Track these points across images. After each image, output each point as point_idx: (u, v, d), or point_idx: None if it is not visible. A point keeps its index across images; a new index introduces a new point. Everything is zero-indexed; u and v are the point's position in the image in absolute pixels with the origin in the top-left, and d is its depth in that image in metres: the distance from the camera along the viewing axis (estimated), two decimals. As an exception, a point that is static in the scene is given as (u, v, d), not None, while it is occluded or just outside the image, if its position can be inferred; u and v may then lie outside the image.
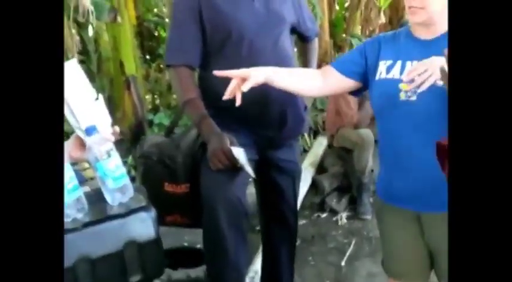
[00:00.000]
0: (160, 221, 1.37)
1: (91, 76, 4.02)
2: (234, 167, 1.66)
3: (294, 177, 2.12)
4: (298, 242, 2.73)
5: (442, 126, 1.17)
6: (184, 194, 1.78)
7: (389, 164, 1.52)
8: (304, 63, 2.18)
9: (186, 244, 2.68)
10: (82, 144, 1.30)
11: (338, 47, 5.04)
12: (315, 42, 2.20)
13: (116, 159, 1.26)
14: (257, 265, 2.42)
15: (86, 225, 1.20)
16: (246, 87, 1.48)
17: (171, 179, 1.77)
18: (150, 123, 3.67)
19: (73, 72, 1.35)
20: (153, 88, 4.37)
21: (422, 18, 1.39)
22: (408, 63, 1.42)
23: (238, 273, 1.91)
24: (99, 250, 1.20)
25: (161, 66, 4.69)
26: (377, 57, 1.50)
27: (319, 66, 4.43)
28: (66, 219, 1.20)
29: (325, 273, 2.63)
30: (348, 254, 2.77)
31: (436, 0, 1.36)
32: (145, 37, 5.29)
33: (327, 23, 4.78)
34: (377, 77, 1.48)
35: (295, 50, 2.42)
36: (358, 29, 5.15)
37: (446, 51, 1.15)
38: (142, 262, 1.25)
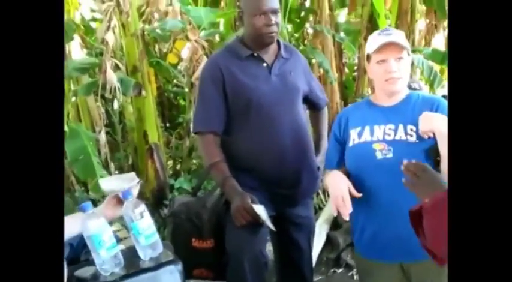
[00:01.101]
0: (187, 274, 1.60)
1: (116, 146, 4.36)
2: (256, 223, 1.89)
3: (309, 232, 2.33)
4: (315, 299, 2.89)
5: None
6: (210, 249, 1.99)
7: (368, 219, 1.68)
8: (316, 130, 2.42)
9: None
10: (116, 205, 1.56)
11: (349, 108, 5.31)
12: (325, 110, 2.46)
13: (148, 219, 1.50)
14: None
15: (123, 278, 1.41)
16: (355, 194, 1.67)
17: (198, 235, 1.98)
18: (171, 187, 3.92)
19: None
20: (174, 154, 4.66)
21: (400, 87, 1.67)
22: (375, 127, 1.66)
23: None
24: None
25: (181, 133, 5.01)
26: (346, 127, 1.75)
27: (330, 126, 4.70)
28: (105, 274, 1.43)
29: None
30: (363, 307, 2.89)
31: (407, 70, 1.65)
32: (166, 106, 5.62)
33: (337, 85, 5.08)
34: (350, 144, 1.71)
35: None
36: (367, 90, 5.44)
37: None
38: None
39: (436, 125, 1.57)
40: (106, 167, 3.64)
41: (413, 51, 5.05)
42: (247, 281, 1.94)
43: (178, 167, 4.57)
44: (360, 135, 1.70)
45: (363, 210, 1.70)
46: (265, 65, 2.10)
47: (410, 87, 3.60)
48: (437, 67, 5.31)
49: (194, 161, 4.53)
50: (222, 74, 2.06)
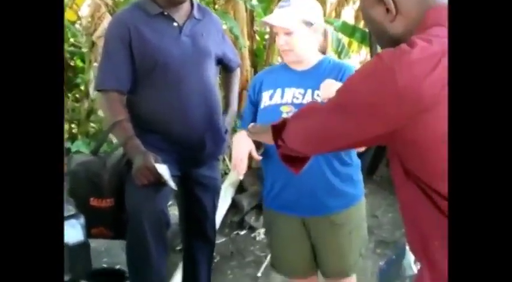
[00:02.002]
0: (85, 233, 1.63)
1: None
2: (158, 182, 1.94)
3: (215, 193, 2.41)
4: (217, 258, 3.03)
5: None
6: (109, 208, 2.00)
7: (275, 178, 1.82)
8: (227, 91, 2.48)
9: (105, 266, 2.86)
10: None
11: (259, 75, 5.43)
12: (237, 72, 2.52)
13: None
14: (175, 281, 2.64)
15: None
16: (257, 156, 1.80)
17: (97, 194, 1.99)
18: (68, 151, 3.80)
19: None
20: (70, 117, 4.50)
21: (292, 58, 1.77)
22: (287, 89, 1.77)
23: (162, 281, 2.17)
24: None
25: (77, 96, 4.80)
26: (260, 90, 1.84)
27: (240, 93, 4.79)
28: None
29: (243, 284, 2.91)
30: (264, 265, 3.06)
31: (300, 43, 1.73)
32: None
33: (248, 52, 5.17)
34: (262, 105, 1.81)
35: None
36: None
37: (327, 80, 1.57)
38: (72, 263, 1.50)
39: (327, 93, 1.65)
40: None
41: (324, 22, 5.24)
42: (146, 239, 1.99)
43: (75, 130, 4.43)
44: (271, 97, 1.80)
45: (272, 167, 1.83)
46: (175, 24, 2.10)
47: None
48: (345, 39, 5.57)
49: (93, 125, 4.42)
50: (129, 32, 2.04)
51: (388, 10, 1.06)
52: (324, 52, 1.86)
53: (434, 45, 0.96)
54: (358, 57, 6.37)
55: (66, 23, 4.36)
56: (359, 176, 1.86)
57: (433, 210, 1.01)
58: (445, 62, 0.93)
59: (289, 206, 1.82)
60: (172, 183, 1.96)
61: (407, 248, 1.20)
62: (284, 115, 1.73)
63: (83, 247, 1.52)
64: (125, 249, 2.07)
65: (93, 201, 1.99)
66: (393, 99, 0.94)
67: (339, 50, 5.15)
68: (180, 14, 2.13)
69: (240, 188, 3.81)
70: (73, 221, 1.51)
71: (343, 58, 5.32)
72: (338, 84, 1.65)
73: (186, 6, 2.15)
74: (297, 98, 1.75)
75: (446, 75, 0.93)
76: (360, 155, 1.88)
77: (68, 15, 4.46)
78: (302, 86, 1.75)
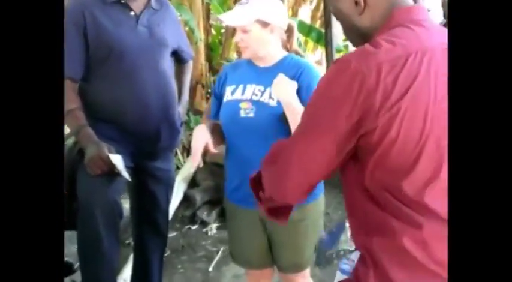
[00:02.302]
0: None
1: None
2: (111, 173, 1.90)
3: (168, 185, 2.38)
4: (168, 253, 3.00)
5: (275, 137, 1.57)
6: None
7: (236, 172, 1.84)
8: (179, 82, 2.44)
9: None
10: None
11: (214, 70, 5.42)
12: (190, 64, 2.50)
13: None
14: (125, 274, 2.62)
15: None
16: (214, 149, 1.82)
17: None
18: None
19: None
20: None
21: (248, 55, 1.80)
22: (248, 86, 1.79)
23: (113, 273, 2.13)
24: None
25: None
26: (224, 84, 1.86)
27: (194, 87, 4.75)
28: None
29: (194, 279, 2.90)
30: (215, 260, 3.06)
31: (255, 41, 1.75)
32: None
33: (203, 46, 5.14)
34: (224, 100, 1.83)
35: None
36: (233, 54, 5.59)
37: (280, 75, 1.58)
38: None
39: (277, 92, 1.69)
40: None
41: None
42: (98, 230, 1.95)
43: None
44: (233, 93, 1.82)
45: (232, 160, 1.86)
46: (132, 13, 2.07)
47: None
48: (302, 38, 5.63)
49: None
50: (84, 18, 2.00)
51: (356, 3, 1.08)
52: (288, 49, 1.87)
53: (398, 47, 0.99)
54: (313, 56, 6.45)
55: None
56: None
57: (376, 209, 1.05)
58: (409, 65, 0.97)
59: (246, 201, 1.83)
60: (126, 174, 1.93)
61: (346, 223, 1.23)
62: (242, 111, 1.76)
63: None
64: (76, 239, 2.02)
65: None
66: (362, 101, 0.96)
67: (295, 48, 5.19)
68: (137, 3, 2.10)
69: (193, 183, 3.79)
70: None
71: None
72: (288, 82, 1.68)
73: None
74: (256, 95, 1.77)
75: (411, 79, 0.97)
76: None
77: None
78: (262, 83, 1.76)
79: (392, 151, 0.99)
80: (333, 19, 4.23)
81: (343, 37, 5.91)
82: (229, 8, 5.20)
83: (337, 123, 0.99)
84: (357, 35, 1.13)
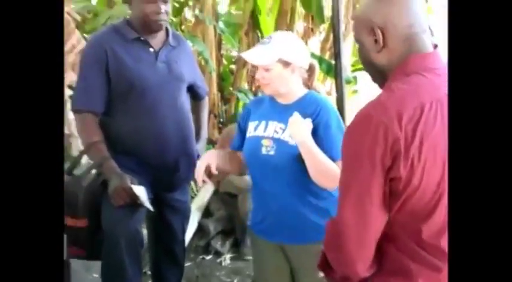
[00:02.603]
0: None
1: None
2: (134, 203, 1.94)
3: (185, 216, 2.44)
4: (183, 282, 2.99)
5: (294, 175, 1.71)
6: (84, 228, 1.99)
7: (258, 204, 1.90)
8: (197, 119, 2.50)
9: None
10: None
11: (226, 100, 5.49)
12: (206, 101, 2.57)
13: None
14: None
15: None
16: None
17: (72, 213, 1.97)
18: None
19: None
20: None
21: (269, 92, 1.84)
22: (270, 122, 1.83)
23: None
24: None
25: None
26: (248, 119, 1.91)
27: (207, 117, 4.80)
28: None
29: (208, 309, 2.90)
30: (230, 291, 3.06)
31: (276, 79, 1.79)
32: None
33: (215, 76, 5.23)
34: (247, 135, 1.88)
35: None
36: (245, 84, 5.66)
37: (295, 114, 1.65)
38: None
39: (292, 131, 1.73)
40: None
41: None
42: (123, 258, 2.00)
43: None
44: (255, 128, 1.87)
45: (255, 194, 1.92)
46: (151, 50, 2.15)
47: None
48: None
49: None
50: (106, 55, 2.07)
51: (376, 41, 1.13)
52: (309, 87, 1.91)
53: (414, 97, 1.05)
54: (323, 87, 6.53)
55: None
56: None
57: (395, 251, 1.10)
58: (425, 115, 1.03)
59: (268, 234, 1.88)
60: (149, 205, 1.97)
61: None
62: (263, 148, 1.81)
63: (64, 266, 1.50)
64: (101, 268, 2.07)
65: (69, 221, 1.96)
66: (390, 149, 1.01)
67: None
68: (156, 41, 2.18)
69: (207, 213, 3.80)
70: None
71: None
72: (303, 121, 1.71)
73: (161, 33, 2.20)
74: (277, 133, 1.81)
75: (429, 128, 1.02)
76: None
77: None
78: (283, 120, 1.79)
79: (414, 197, 1.04)
80: (342, 50, 4.31)
81: (352, 68, 6.03)
82: (240, 39, 5.32)
83: (375, 178, 1.03)
84: (374, 70, 1.18)
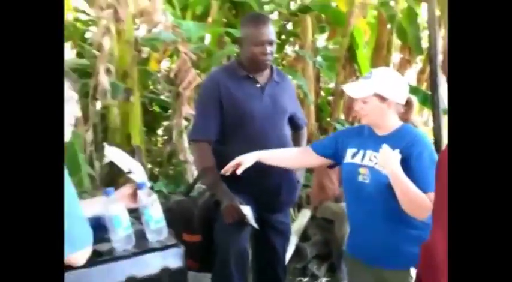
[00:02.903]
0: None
1: (96, 146, 4.56)
2: (243, 222, 2.19)
3: (286, 238, 2.65)
4: (282, 303, 3.17)
5: (387, 204, 1.82)
6: (198, 243, 2.27)
7: (353, 229, 2.05)
8: (297, 146, 2.66)
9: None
10: (133, 196, 1.83)
11: (323, 130, 5.68)
12: (305, 131, 2.80)
13: (158, 207, 1.76)
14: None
15: (134, 254, 1.68)
16: (240, 171, 2.13)
17: (188, 229, 2.26)
18: (151, 189, 4.15)
19: (114, 150, 1.94)
20: (152, 159, 4.91)
21: (367, 121, 1.99)
22: (368, 152, 1.96)
23: None
24: (143, 272, 1.64)
25: (153, 139, 5.17)
26: (346, 145, 2.06)
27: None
28: (119, 250, 1.69)
29: (305, 329, 3.06)
30: (325, 313, 3.21)
31: (373, 112, 1.93)
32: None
33: (313, 107, 5.46)
34: (345, 161, 2.03)
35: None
36: (341, 115, 5.83)
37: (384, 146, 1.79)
38: None
39: (381, 162, 1.83)
40: (91, 164, 3.85)
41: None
42: (231, 271, 2.24)
43: (156, 171, 4.81)
44: (353, 156, 2.01)
45: (351, 219, 2.07)
46: (258, 85, 2.43)
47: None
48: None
49: (171, 167, 4.78)
50: (220, 90, 2.37)
51: None
52: (406, 120, 2.02)
53: None
54: (420, 118, 6.51)
55: (147, 71, 4.83)
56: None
57: None
58: None
59: (363, 257, 2.02)
60: (254, 223, 2.21)
61: None
62: (360, 176, 1.94)
63: (182, 272, 1.75)
64: (211, 280, 2.32)
65: (185, 236, 2.25)
66: None
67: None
68: (262, 77, 2.46)
69: (304, 237, 3.98)
70: (175, 249, 1.74)
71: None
72: (392, 152, 1.81)
73: (267, 70, 2.48)
74: (371, 161, 1.94)
75: None
76: None
77: (151, 65, 4.96)
78: (378, 150, 1.90)
79: None
80: (439, 81, 4.35)
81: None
82: (338, 72, 5.53)
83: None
84: None
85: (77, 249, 1.48)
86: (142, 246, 1.72)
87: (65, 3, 4.44)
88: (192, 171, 4.31)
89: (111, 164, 4.46)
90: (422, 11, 5.96)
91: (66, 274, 1.46)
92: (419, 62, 6.67)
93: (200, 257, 2.29)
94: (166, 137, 5.43)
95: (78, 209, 1.50)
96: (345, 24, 5.28)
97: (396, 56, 6.46)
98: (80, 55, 4.84)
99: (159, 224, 1.76)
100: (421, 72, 6.47)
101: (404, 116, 2.01)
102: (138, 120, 4.12)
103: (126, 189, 1.83)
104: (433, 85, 4.61)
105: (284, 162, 2.26)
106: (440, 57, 4.41)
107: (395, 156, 1.81)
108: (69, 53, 4.89)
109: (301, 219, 4.01)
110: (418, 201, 1.76)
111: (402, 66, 6.37)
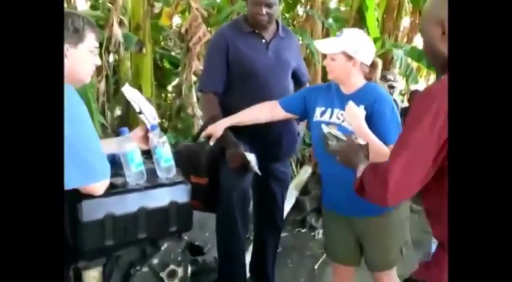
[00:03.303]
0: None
1: (108, 96, 4.74)
2: (246, 167, 2.36)
3: (285, 186, 2.83)
4: (279, 249, 3.40)
5: None
6: (205, 185, 2.44)
7: (325, 183, 2.23)
8: None
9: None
10: (144, 138, 2.00)
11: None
12: (307, 86, 2.91)
13: (167, 147, 1.93)
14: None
15: (145, 188, 1.83)
16: (211, 142, 2.33)
17: (196, 172, 2.43)
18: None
19: (132, 91, 2.09)
20: (161, 114, 5.08)
21: (333, 77, 2.12)
22: (335, 110, 2.12)
23: (244, 251, 2.63)
24: (152, 205, 1.81)
25: (163, 95, 5.32)
26: (315, 103, 2.20)
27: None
28: (132, 184, 1.87)
29: (300, 274, 3.29)
30: (320, 260, 3.42)
31: (339, 68, 2.07)
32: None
33: (320, 67, 5.57)
34: (314, 119, 2.18)
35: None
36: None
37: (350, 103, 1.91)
38: (178, 217, 1.88)
39: (348, 119, 1.96)
40: (103, 113, 4.03)
41: (395, 46, 5.56)
42: (234, 211, 2.44)
43: (165, 125, 4.99)
44: (322, 114, 2.16)
45: (323, 174, 2.24)
46: (263, 41, 2.56)
47: (385, 77, 4.10)
48: (414, 64, 5.83)
49: (179, 121, 4.96)
50: (227, 44, 2.51)
51: (443, 33, 1.27)
52: (370, 79, 2.15)
53: None
54: (427, 83, 6.60)
55: (159, 26, 4.94)
56: None
57: None
58: None
59: (334, 206, 2.21)
60: (257, 169, 2.38)
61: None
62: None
63: (187, 206, 1.93)
64: (216, 220, 2.53)
65: (193, 178, 2.42)
66: (445, 127, 1.16)
67: (407, 73, 5.43)
68: (268, 33, 2.59)
69: (304, 190, 4.18)
70: (182, 186, 1.91)
71: (411, 82, 5.61)
72: (357, 109, 1.94)
73: (273, 26, 2.61)
74: (339, 119, 2.09)
75: None
76: None
77: (163, 20, 5.07)
78: (344, 108, 2.04)
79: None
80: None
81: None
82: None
83: (430, 145, 1.20)
84: (439, 59, 1.32)
85: (98, 180, 1.64)
86: (153, 181, 1.90)
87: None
88: (200, 125, 4.49)
89: (122, 116, 4.66)
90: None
91: (86, 201, 1.67)
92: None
93: (205, 198, 2.45)
94: (175, 94, 5.58)
95: (98, 145, 1.65)
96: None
97: (406, 20, 6.49)
98: (93, 7, 4.95)
99: (168, 163, 1.94)
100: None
101: (369, 75, 2.14)
102: (149, 73, 4.28)
103: (138, 131, 2.00)
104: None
105: (254, 119, 2.40)
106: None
107: (361, 112, 1.94)
108: (83, 5, 5.00)
109: (303, 174, 4.21)
110: (382, 152, 1.89)
111: (412, 31, 6.41)
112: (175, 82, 5.94)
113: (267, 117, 2.38)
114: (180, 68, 5.90)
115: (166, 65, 6.23)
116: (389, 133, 1.96)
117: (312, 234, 3.85)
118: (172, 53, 6.20)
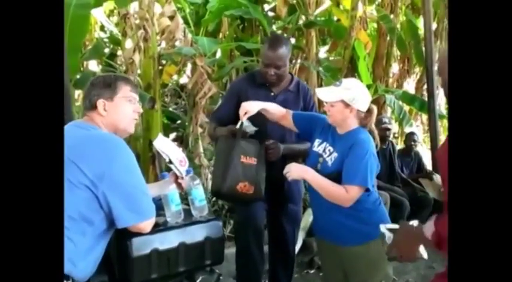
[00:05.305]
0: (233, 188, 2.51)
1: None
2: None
3: (297, 223, 3.21)
4: (291, 289, 3.68)
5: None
6: (253, 166, 2.67)
7: (314, 212, 2.55)
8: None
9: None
10: (175, 182, 2.33)
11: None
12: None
13: (201, 189, 2.30)
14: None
15: (184, 225, 2.17)
16: (245, 118, 2.57)
17: (245, 153, 2.68)
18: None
19: (164, 141, 2.41)
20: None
21: (332, 121, 2.39)
22: (327, 145, 2.38)
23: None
24: (190, 240, 2.13)
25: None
26: (318, 133, 2.49)
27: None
28: (171, 222, 2.20)
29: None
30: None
31: (337, 114, 2.33)
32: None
33: (315, 73, 5.95)
34: (313, 148, 2.47)
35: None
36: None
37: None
38: (212, 251, 2.19)
39: (293, 173, 2.31)
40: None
41: (386, 92, 6.05)
42: (250, 246, 2.89)
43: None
44: (318, 145, 2.44)
45: (312, 204, 2.54)
46: (272, 94, 2.96)
47: (381, 121, 4.53)
48: (406, 107, 6.31)
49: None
50: (240, 92, 2.95)
51: None
52: (365, 125, 2.39)
53: None
54: (415, 122, 6.99)
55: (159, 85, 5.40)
56: (374, 218, 2.29)
57: None
58: None
59: (323, 234, 2.50)
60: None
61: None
62: (319, 165, 2.36)
63: (221, 241, 2.23)
64: (235, 258, 2.94)
65: (243, 158, 2.64)
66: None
67: (401, 117, 5.89)
68: (277, 88, 2.98)
69: (310, 232, 4.50)
70: (215, 222, 2.25)
71: (405, 125, 6.06)
72: (296, 165, 2.34)
73: (286, 81, 3.00)
74: (326, 153, 2.36)
75: None
76: None
77: (164, 78, 5.55)
78: (334, 146, 2.35)
79: None
80: (435, 90, 4.88)
81: (446, 106, 6.52)
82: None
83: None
84: None
85: (146, 219, 1.88)
86: (189, 219, 2.25)
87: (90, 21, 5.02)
88: (207, 175, 4.86)
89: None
90: (421, 24, 6.49)
91: (135, 238, 1.98)
92: (418, 72, 7.18)
93: (254, 180, 2.63)
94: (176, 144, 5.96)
95: (145, 187, 1.94)
96: (346, 37, 5.85)
97: (395, 66, 6.97)
98: (103, 71, 5.42)
99: (202, 203, 2.30)
100: (419, 81, 6.98)
101: (364, 121, 2.38)
102: (159, 128, 4.69)
103: (171, 177, 2.35)
104: (430, 93, 5.15)
105: (277, 113, 2.65)
106: (435, 67, 4.94)
107: (298, 166, 2.35)
108: (95, 67, 5.46)
109: (307, 217, 4.52)
110: (333, 193, 2.24)
111: (401, 76, 6.88)
112: (173, 135, 6.35)
113: (280, 120, 2.67)
114: (178, 122, 6.37)
115: (164, 120, 6.65)
116: (349, 173, 2.23)
117: (321, 274, 4.13)
118: (170, 109, 6.66)
